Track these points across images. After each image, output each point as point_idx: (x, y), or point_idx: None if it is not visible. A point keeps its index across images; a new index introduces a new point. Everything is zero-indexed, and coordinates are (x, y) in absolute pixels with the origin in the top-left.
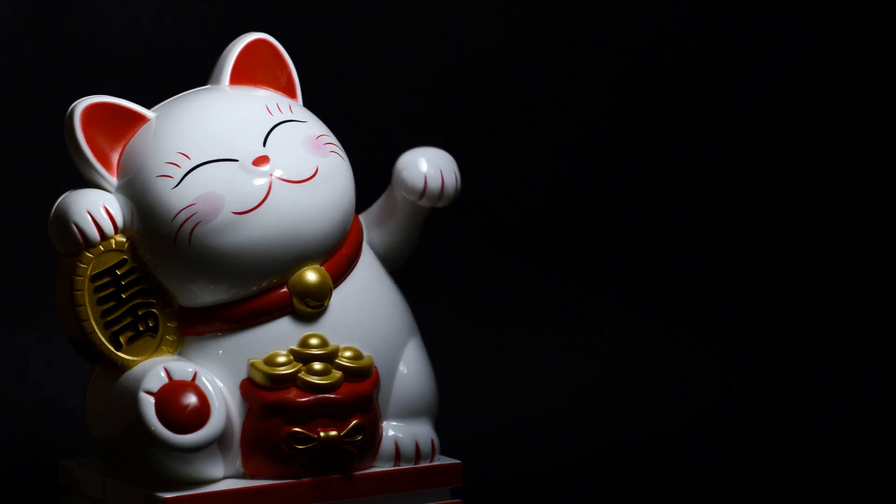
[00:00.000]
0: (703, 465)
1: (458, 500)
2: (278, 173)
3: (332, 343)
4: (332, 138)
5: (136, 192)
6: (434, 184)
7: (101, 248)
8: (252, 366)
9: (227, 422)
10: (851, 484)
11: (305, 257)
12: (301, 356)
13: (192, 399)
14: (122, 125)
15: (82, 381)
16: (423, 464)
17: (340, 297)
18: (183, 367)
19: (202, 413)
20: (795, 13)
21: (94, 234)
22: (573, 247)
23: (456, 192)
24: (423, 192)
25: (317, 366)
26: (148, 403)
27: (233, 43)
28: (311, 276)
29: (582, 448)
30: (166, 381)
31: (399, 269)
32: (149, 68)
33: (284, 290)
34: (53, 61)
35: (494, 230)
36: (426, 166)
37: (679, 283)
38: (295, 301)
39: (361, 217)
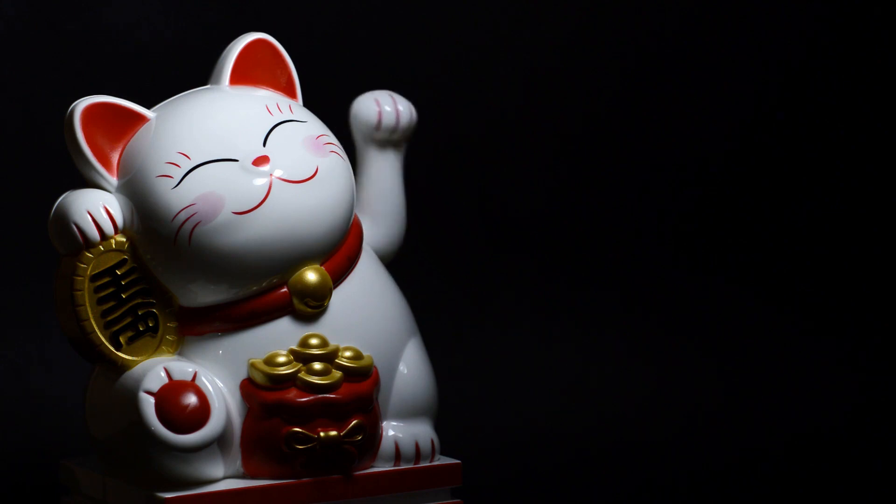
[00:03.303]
0: (702, 465)
1: (459, 501)
2: (278, 173)
3: (332, 343)
4: (332, 138)
5: (136, 192)
6: (388, 109)
7: (101, 248)
8: (252, 366)
9: (227, 422)
10: (851, 484)
11: (305, 257)
12: (301, 356)
13: (192, 399)
14: (122, 125)
15: (82, 381)
16: (423, 464)
17: (340, 297)
18: (183, 367)
19: (202, 413)
20: (796, 14)
21: (94, 234)
22: (573, 247)
23: (412, 119)
24: (379, 121)
25: (317, 366)
26: (148, 403)
27: (233, 43)
28: (311, 276)
29: (582, 448)
30: (166, 381)
31: (399, 269)
32: (149, 68)
33: (284, 290)
34: (53, 61)
35: (495, 230)
36: (378, 96)
37: (679, 283)
38: (295, 301)
39: None
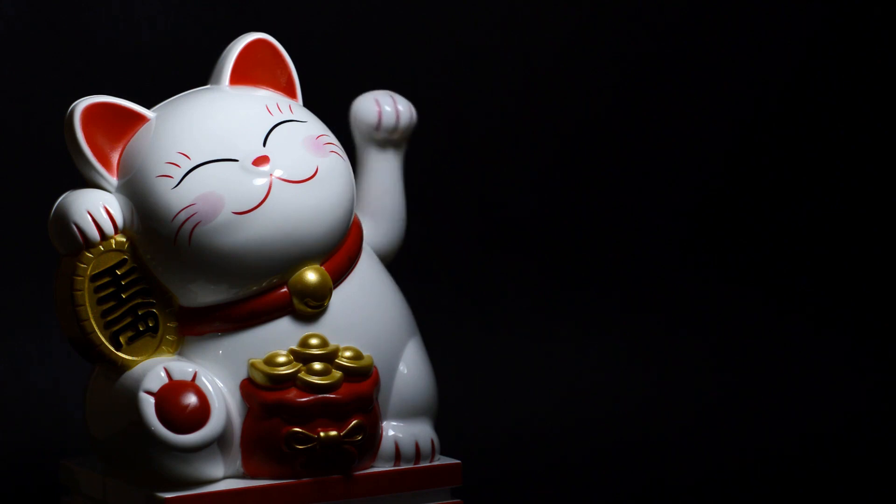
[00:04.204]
0: (702, 465)
1: (459, 501)
2: (278, 173)
3: (332, 343)
4: (332, 138)
5: (136, 192)
6: (388, 109)
7: (101, 248)
8: (252, 366)
9: (227, 422)
10: (851, 484)
11: (305, 257)
12: (301, 356)
13: (192, 399)
14: (122, 125)
15: (82, 381)
16: (423, 464)
17: (340, 297)
18: (183, 367)
19: (202, 413)
20: (797, 14)
21: (94, 234)
22: (574, 247)
23: (412, 119)
24: (379, 121)
25: (317, 366)
26: (148, 403)
27: (233, 43)
28: (311, 276)
29: (582, 448)
30: (166, 381)
31: (399, 269)
32: (149, 68)
33: (284, 290)
34: (53, 61)
35: (495, 230)
36: (378, 96)
37: (679, 283)
38: (295, 301)
39: None
